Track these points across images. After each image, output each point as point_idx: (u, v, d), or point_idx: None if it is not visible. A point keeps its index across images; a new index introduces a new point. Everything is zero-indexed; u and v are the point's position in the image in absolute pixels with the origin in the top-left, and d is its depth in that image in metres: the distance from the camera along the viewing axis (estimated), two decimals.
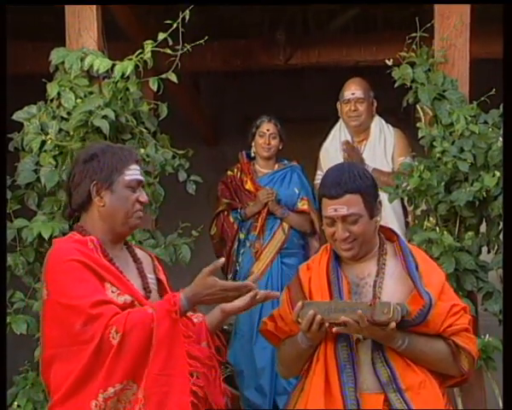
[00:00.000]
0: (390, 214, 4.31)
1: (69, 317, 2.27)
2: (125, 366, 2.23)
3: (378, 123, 4.56)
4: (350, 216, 2.49)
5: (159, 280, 2.52)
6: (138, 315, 2.25)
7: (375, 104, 4.53)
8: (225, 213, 4.74)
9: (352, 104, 4.45)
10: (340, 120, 4.62)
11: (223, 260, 2.39)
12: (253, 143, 4.75)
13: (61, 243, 2.40)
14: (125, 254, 2.48)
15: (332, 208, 2.50)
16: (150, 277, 2.49)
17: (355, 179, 2.51)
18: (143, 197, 2.44)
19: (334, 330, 2.42)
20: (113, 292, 2.31)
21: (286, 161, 4.81)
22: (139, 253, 2.53)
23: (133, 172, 2.42)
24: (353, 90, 4.47)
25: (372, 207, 2.52)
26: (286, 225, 4.64)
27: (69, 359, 2.27)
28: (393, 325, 2.37)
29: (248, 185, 4.72)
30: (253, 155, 4.79)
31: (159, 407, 2.23)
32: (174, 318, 2.25)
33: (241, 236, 4.69)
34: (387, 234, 2.64)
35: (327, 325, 2.43)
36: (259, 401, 4.50)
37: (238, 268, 4.66)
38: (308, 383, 2.53)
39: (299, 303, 2.46)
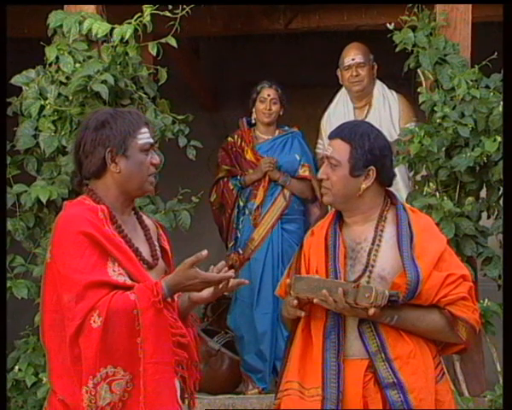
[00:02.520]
0: (399, 179, 4.31)
1: (62, 287, 2.27)
2: (109, 351, 2.23)
3: (380, 88, 4.51)
4: (331, 159, 2.54)
5: (162, 248, 2.51)
6: (121, 300, 2.25)
7: (376, 68, 4.50)
8: (225, 179, 4.73)
9: (354, 70, 4.41)
10: (343, 88, 4.58)
11: (205, 252, 2.34)
12: (253, 110, 4.72)
13: (73, 209, 2.37)
14: (134, 220, 2.48)
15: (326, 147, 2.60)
16: (156, 244, 2.49)
17: (354, 132, 2.53)
18: (156, 159, 2.43)
19: (315, 301, 2.42)
20: (114, 271, 2.30)
21: (286, 128, 4.79)
22: (146, 220, 2.53)
23: (145, 136, 2.41)
24: (353, 55, 4.43)
25: (357, 165, 2.50)
26: (287, 192, 4.63)
27: (62, 327, 2.28)
28: (372, 311, 2.36)
29: (249, 155, 4.70)
30: (253, 121, 4.76)
31: (154, 394, 2.24)
32: (158, 307, 2.26)
33: (241, 203, 4.68)
34: (392, 198, 2.61)
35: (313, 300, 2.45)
36: (260, 365, 4.53)
37: (239, 235, 4.66)
38: (292, 348, 2.55)
39: (291, 279, 2.48)
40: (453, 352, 2.65)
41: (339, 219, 2.60)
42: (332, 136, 2.57)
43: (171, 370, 2.28)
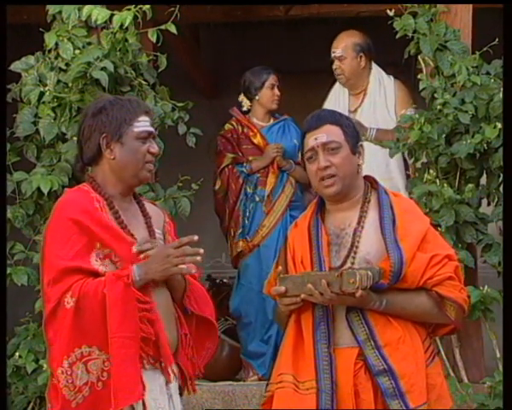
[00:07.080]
0: (394, 168, 4.29)
1: (44, 270, 2.32)
2: (83, 331, 2.25)
3: (377, 74, 4.45)
4: (330, 143, 2.52)
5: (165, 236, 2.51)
6: (94, 283, 2.27)
7: (363, 57, 4.37)
8: (229, 167, 4.70)
9: (336, 63, 4.40)
10: None
11: (196, 237, 2.33)
12: (256, 97, 4.68)
13: (71, 195, 2.41)
14: (135, 207, 2.48)
15: (313, 138, 2.54)
16: (158, 232, 2.49)
17: (335, 114, 2.60)
18: (154, 148, 2.43)
19: (303, 296, 2.41)
20: (96, 261, 2.32)
21: (277, 115, 4.78)
22: (150, 208, 2.53)
23: (142, 124, 2.42)
24: (333, 48, 4.38)
25: (353, 142, 2.55)
26: (293, 179, 4.64)
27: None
28: (360, 293, 2.34)
29: (257, 140, 4.69)
30: (247, 108, 4.73)
31: (120, 369, 2.24)
32: (126, 282, 2.26)
33: (249, 190, 4.66)
34: (373, 183, 2.62)
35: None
36: (264, 349, 4.53)
37: (247, 222, 4.63)
38: (284, 340, 2.55)
39: (278, 277, 2.49)
40: (444, 333, 2.64)
41: (321, 208, 2.60)
42: (318, 124, 2.55)
43: (137, 345, 2.27)
